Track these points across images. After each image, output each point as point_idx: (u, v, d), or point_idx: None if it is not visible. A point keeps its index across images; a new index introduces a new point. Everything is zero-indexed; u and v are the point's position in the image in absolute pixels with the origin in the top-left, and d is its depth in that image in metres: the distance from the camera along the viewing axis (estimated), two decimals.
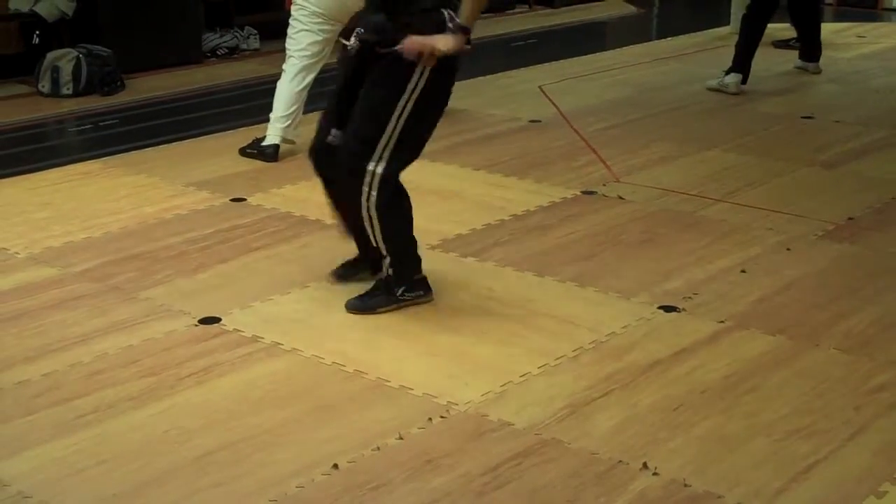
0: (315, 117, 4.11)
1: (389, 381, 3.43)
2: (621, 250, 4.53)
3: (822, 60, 7.87)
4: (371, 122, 3.71)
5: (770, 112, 6.82)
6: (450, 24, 3.64)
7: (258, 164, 5.64)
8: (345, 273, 4.12)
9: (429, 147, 3.87)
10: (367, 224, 3.81)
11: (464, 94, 7.06)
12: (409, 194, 3.85)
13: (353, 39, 3.76)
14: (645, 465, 2.99)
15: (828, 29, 8.71)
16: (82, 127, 6.68)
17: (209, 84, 7.72)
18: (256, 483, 2.91)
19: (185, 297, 4.06)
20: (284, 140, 5.65)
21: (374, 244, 3.86)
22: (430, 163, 5.25)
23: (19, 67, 7.52)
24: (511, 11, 10.76)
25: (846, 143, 6.12)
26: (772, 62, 8.02)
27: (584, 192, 5.23)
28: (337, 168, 3.82)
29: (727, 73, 7.28)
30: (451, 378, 3.46)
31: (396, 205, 3.81)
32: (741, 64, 7.25)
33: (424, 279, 3.97)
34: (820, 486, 2.91)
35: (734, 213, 4.96)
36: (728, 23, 9.41)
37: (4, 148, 6.18)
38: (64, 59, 7.20)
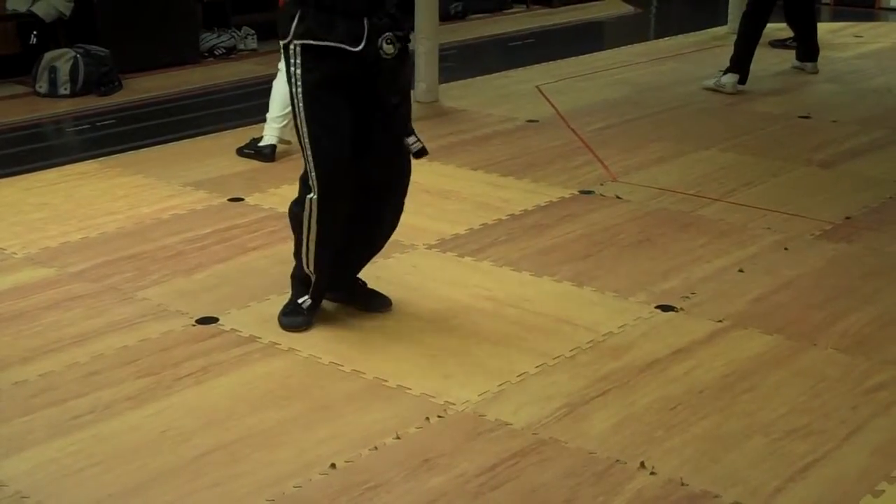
0: None
1: (387, 381, 3.43)
2: (619, 250, 4.53)
3: (819, 60, 7.88)
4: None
5: (767, 112, 6.82)
6: None
7: (255, 164, 5.64)
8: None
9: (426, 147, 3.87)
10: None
11: (461, 94, 7.09)
12: (408, 193, 3.87)
13: (389, 45, 3.45)
14: (642, 465, 2.99)
15: (825, 28, 8.72)
16: (79, 127, 6.68)
17: (206, 84, 7.72)
18: (254, 483, 2.91)
19: (183, 297, 4.06)
20: (281, 140, 5.65)
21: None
22: (428, 162, 5.23)
23: (16, 67, 7.52)
24: (508, 11, 10.78)
25: (843, 143, 6.12)
26: (769, 62, 8.03)
27: (582, 192, 5.22)
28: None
29: (724, 72, 7.28)
30: (449, 378, 3.46)
31: None
32: (738, 64, 7.24)
33: None
34: (817, 486, 2.91)
35: (732, 212, 4.96)
36: (725, 22, 9.43)
37: (1, 148, 6.17)
38: (61, 60, 7.20)
